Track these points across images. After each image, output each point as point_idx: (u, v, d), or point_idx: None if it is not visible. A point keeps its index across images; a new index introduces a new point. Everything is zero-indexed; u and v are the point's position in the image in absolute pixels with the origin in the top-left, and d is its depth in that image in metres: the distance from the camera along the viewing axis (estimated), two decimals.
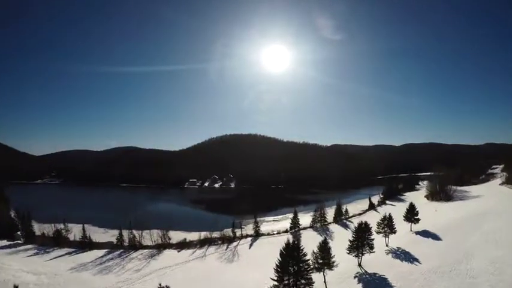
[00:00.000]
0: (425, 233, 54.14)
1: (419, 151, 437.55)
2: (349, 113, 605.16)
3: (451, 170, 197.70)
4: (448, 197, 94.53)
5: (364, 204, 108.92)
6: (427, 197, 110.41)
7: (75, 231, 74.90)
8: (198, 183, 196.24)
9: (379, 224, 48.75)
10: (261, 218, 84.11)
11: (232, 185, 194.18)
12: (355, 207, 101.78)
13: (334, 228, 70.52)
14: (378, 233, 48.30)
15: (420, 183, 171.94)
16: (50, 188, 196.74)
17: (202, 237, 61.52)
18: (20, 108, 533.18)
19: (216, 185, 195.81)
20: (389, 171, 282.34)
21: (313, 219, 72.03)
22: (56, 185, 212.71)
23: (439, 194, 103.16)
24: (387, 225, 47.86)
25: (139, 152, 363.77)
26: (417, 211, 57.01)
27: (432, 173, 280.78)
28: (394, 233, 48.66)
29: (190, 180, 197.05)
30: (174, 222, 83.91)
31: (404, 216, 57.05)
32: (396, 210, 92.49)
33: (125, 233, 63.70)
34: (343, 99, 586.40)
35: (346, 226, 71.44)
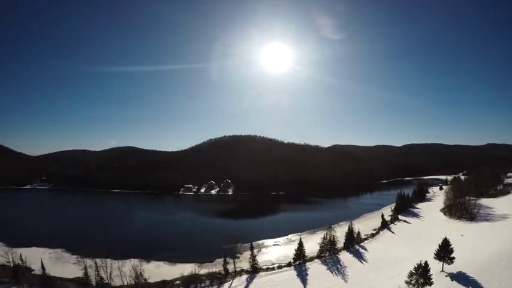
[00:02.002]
0: (462, 278, 43.24)
1: (421, 151, 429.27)
2: (350, 113, 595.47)
3: (465, 177, 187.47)
4: (470, 215, 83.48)
5: (374, 219, 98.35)
6: (444, 211, 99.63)
7: (43, 260, 64.87)
8: (193, 189, 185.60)
9: (411, 275, 37.85)
10: (260, 242, 73.65)
11: (230, 192, 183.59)
12: (366, 224, 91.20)
13: (346, 258, 59.74)
14: (408, 284, 37.50)
15: (430, 190, 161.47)
16: (38, 195, 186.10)
17: (186, 274, 50.73)
18: (19, 108, 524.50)
19: (213, 191, 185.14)
20: (393, 174, 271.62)
21: (321, 247, 61.25)
22: (45, 190, 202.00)
23: (458, 208, 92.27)
24: (422, 276, 37.00)
25: (137, 153, 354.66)
26: (452, 247, 46.10)
27: (439, 177, 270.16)
28: (430, 285, 37.72)
29: (186, 186, 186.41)
30: (159, 244, 73.93)
31: (435, 254, 46.13)
32: (413, 229, 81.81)
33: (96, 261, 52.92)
34: (343, 99, 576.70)
35: (360, 256, 60.64)
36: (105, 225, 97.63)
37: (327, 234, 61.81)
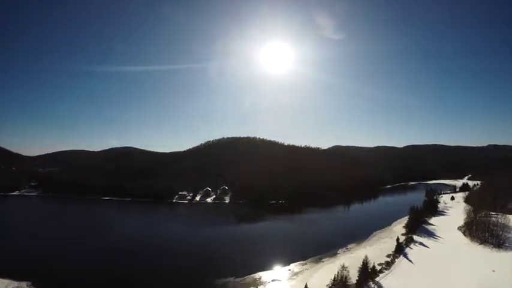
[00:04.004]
0: None
1: (422, 152, 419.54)
2: (351, 114, 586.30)
3: (473, 183, 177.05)
4: (498, 240, 73.38)
5: (386, 240, 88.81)
6: (462, 230, 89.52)
7: None
8: (188, 197, 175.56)
9: None
10: (257, 275, 63.55)
11: (227, 200, 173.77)
12: (377, 247, 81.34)
13: None
14: None
15: (440, 200, 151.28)
16: (24, 202, 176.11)
17: None
18: (17, 108, 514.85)
19: (209, 199, 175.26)
20: (396, 177, 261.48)
21: None
22: (33, 197, 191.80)
23: (479, 228, 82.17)
24: None
25: (135, 154, 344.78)
26: None
27: (445, 182, 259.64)
28: None
29: (180, 193, 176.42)
30: (139, 274, 63.75)
31: None
32: (433, 257, 69.23)
33: None
34: (344, 100, 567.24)
35: None
36: (85, 245, 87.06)
37: (338, 275, 51.44)
